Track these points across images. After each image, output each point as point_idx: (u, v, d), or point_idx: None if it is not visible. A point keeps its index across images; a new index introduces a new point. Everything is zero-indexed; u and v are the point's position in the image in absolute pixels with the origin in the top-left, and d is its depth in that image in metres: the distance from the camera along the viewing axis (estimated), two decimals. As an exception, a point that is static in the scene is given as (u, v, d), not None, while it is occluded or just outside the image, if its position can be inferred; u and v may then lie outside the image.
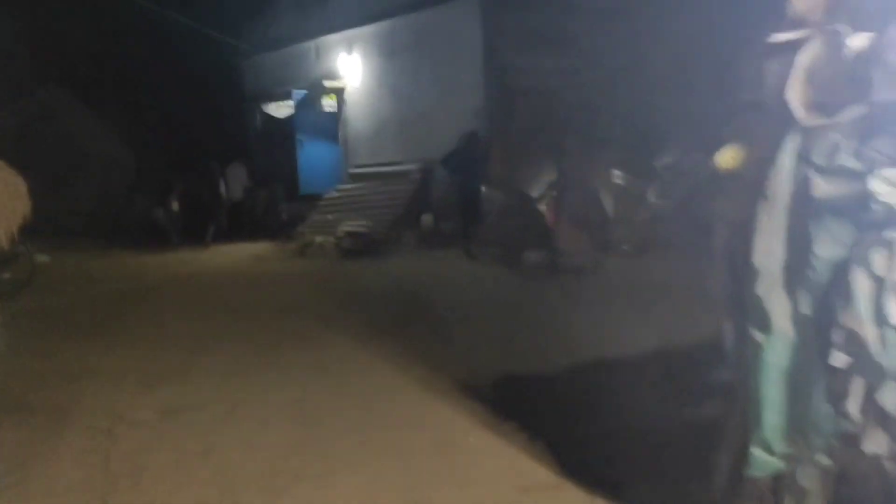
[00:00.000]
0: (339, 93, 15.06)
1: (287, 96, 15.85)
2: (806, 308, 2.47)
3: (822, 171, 2.41)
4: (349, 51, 14.77)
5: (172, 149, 18.73)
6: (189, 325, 6.85)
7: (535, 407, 4.49)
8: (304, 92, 15.28)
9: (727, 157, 2.81)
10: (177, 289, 9.18)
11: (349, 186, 14.37)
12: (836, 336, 2.36)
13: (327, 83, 14.94)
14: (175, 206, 15.00)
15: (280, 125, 16.65)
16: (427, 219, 12.09)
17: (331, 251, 11.92)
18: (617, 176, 10.33)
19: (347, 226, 12.95)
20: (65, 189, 17.23)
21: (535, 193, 11.22)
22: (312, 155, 15.19)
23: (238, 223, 15.59)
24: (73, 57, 17.96)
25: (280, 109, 16.75)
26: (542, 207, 10.68)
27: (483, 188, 10.98)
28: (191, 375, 5.25)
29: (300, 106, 15.32)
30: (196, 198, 15.49)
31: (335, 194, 14.39)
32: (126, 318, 7.23)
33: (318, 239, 12.60)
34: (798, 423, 2.51)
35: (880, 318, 2.26)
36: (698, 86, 8.01)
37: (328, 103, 15.36)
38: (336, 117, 15.23)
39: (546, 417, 4.28)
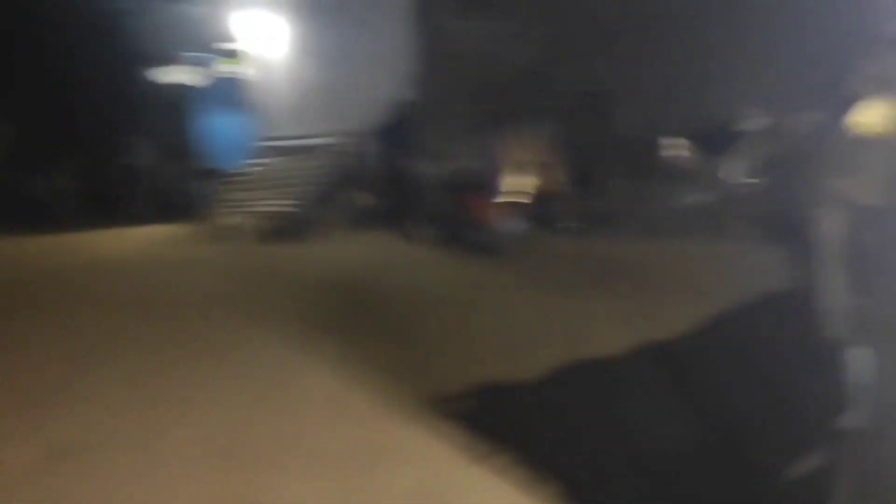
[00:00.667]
0: (248, 56, 13.66)
1: (188, 60, 14.29)
2: None
3: None
4: (260, 7, 13.41)
5: (58, 120, 16.85)
6: (80, 330, 5.62)
7: (526, 428, 3.65)
8: (207, 55, 13.78)
9: (874, 116, 1.97)
10: (65, 284, 7.80)
11: (265, 161, 13.08)
12: None
13: (233, 45, 13.53)
14: (68, 181, 13.32)
15: (181, 93, 15.06)
16: (357, 197, 11.00)
17: (250, 234, 10.70)
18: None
19: (266, 205, 11.74)
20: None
21: (472, 168, 10.40)
22: (221, 126, 13.75)
23: (137, 202, 14.04)
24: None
25: (180, 75, 15.15)
26: (480, 183, 9.86)
27: (418, 163, 10.04)
28: (79, 401, 4.11)
29: (203, 71, 13.82)
30: (92, 173, 13.87)
31: (249, 169, 13.08)
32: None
33: (234, 220, 11.34)
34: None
35: None
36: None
37: (235, 68, 13.94)
38: (245, 84, 13.84)
39: (544, 443, 3.45)
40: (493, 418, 3.77)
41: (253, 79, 13.74)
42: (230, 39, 13.65)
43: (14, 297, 7.03)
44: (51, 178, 13.40)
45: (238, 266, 8.52)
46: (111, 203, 13.60)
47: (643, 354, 4.66)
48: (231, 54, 13.64)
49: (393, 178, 9.86)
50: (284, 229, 10.30)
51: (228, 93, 13.82)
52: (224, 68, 13.79)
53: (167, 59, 14.92)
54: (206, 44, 13.98)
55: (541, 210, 9.89)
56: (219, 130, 13.68)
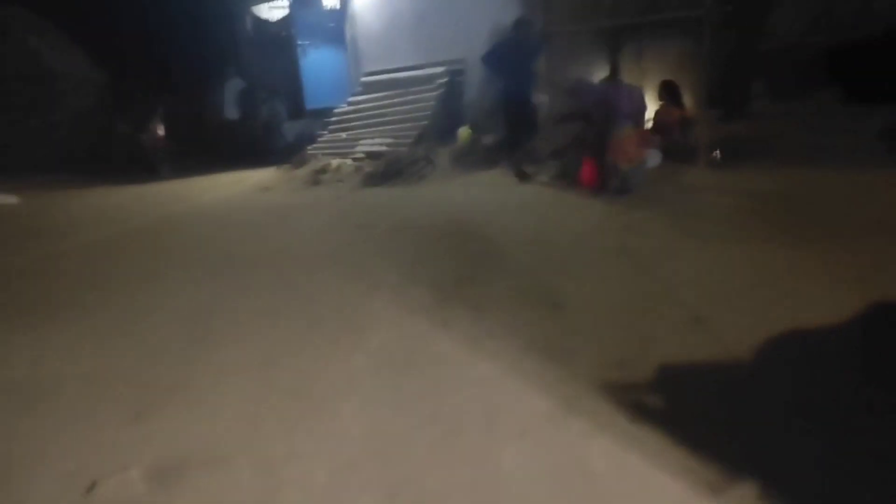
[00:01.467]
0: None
1: (280, -5, 13.48)
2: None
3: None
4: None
5: (152, 65, 16.43)
6: (189, 293, 4.94)
7: (768, 443, 2.66)
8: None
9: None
10: (170, 234, 7.23)
11: (362, 98, 12.21)
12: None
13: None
14: (160, 130, 12.88)
15: (274, 29, 14.31)
16: (463, 132, 10.02)
17: (349, 176, 9.92)
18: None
19: (365, 145, 10.92)
20: (33, 116, 15.14)
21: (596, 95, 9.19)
22: (316, 63, 12.94)
23: (235, 147, 13.52)
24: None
25: (273, 10, 14.36)
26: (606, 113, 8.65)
27: (535, 91, 8.91)
28: (196, 391, 3.39)
29: (297, 4, 12.93)
30: (185, 120, 13.40)
31: (347, 108, 12.25)
32: (104, 285, 5.31)
33: (333, 162, 10.57)
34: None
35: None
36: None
37: (331, 1, 13.03)
38: (341, 15, 12.91)
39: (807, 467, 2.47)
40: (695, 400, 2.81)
41: (350, 8, 12.77)
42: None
43: (122, 256, 6.46)
44: (150, 128, 12.95)
45: (346, 209, 7.75)
46: (208, 148, 13.09)
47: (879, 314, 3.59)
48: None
49: (511, 109, 8.76)
50: (389, 170, 9.45)
51: (327, 27, 12.93)
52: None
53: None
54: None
55: (678, 139, 8.67)
56: (317, 67, 12.86)
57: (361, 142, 11.16)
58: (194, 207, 8.98)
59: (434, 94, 10.58)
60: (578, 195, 7.52)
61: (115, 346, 3.98)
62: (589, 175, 7.64)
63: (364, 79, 12.40)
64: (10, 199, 10.97)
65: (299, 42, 12.67)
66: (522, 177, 8.57)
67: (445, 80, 10.65)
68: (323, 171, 10.24)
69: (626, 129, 7.42)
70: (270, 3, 14.17)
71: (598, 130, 7.62)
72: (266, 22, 14.58)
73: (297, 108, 12.97)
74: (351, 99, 12.35)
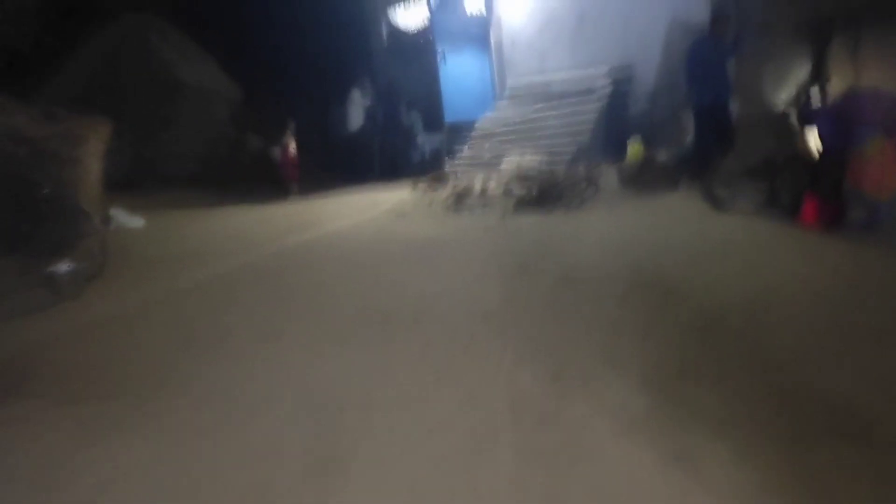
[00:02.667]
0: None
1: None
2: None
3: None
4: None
5: (283, 76, 15.80)
6: (313, 366, 3.66)
7: None
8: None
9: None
10: (293, 274, 6.08)
11: (509, 109, 10.82)
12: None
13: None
14: (292, 145, 12.00)
15: (411, 34, 13.20)
16: (632, 147, 8.39)
17: (497, 200, 8.53)
18: None
19: (514, 162, 9.51)
20: (165, 130, 14.78)
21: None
22: (457, 70, 11.71)
23: (367, 162, 12.50)
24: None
25: (410, 14, 13.26)
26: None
27: (736, 100, 7.20)
28: None
29: (438, 6, 11.75)
30: (316, 133, 12.51)
31: (490, 120, 10.90)
32: (204, 351, 4.11)
33: (477, 183, 9.23)
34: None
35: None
36: None
37: (476, 3, 11.76)
38: (486, 19, 11.61)
39: None
40: None
41: (496, 10, 11.44)
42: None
43: (246, 303, 5.35)
44: (283, 143, 12.15)
45: (502, 246, 6.34)
46: (338, 163, 12.12)
47: None
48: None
49: (705, 119, 7.09)
50: (544, 194, 7.98)
51: (469, 31, 11.68)
52: (464, 2, 11.68)
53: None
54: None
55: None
56: (458, 75, 11.62)
57: (508, 159, 9.78)
58: (322, 238, 7.87)
59: (595, 104, 9.05)
60: (801, 232, 5.76)
61: (206, 454, 2.70)
62: (814, 210, 5.86)
63: (511, 88, 11.02)
64: (137, 223, 10.35)
65: (438, 48, 11.41)
66: (717, 203, 6.87)
67: (609, 88, 9.10)
68: (466, 193, 8.92)
69: (874, 143, 5.59)
70: (407, 9, 13.07)
71: (831, 147, 5.83)
72: (402, 28, 13.50)
73: (434, 120, 11.75)
74: (495, 110, 10.99)
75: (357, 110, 12.74)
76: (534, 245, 6.22)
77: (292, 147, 11.77)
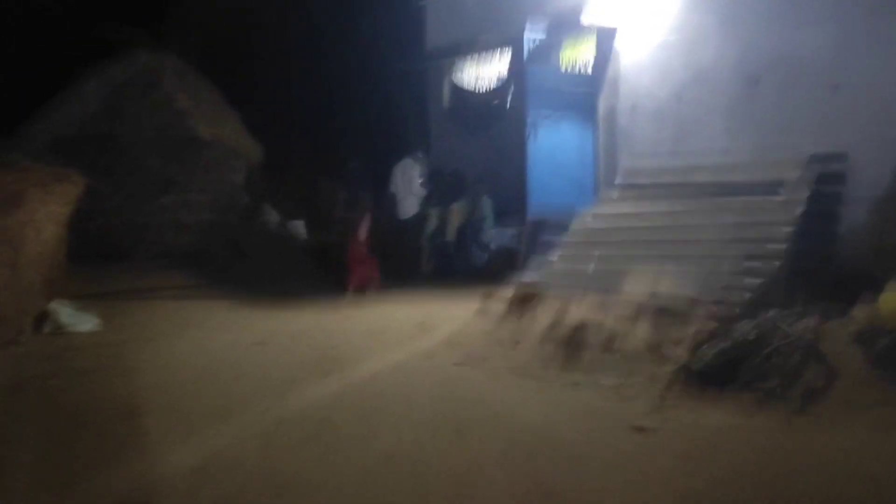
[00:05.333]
0: (602, 37, 8.35)
1: (499, 45, 9.34)
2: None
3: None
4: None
5: (314, 140, 12.93)
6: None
7: None
8: (534, 36, 8.62)
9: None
10: (290, 489, 2.89)
11: (625, 204, 7.63)
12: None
13: (585, 21, 8.27)
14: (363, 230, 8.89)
15: (482, 97, 10.23)
16: (889, 297, 4.92)
17: (636, 356, 5.21)
18: None
19: (639, 289, 6.29)
20: (168, 192, 11.86)
21: None
22: (548, 146, 8.56)
23: (409, 259, 9.37)
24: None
25: (483, 71, 10.33)
26: None
27: None
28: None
29: (525, 62, 8.67)
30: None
31: (598, 218, 7.72)
32: None
33: (594, 319, 5.98)
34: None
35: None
36: None
37: (578, 57, 8.75)
38: (594, 81, 8.55)
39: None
40: None
41: (614, 72, 8.38)
42: (579, 12, 8.37)
43: None
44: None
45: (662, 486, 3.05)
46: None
47: None
48: (578, 36, 8.43)
49: None
50: (727, 366, 4.63)
51: (568, 97, 8.62)
52: (560, 59, 8.69)
53: (467, 49, 10.12)
54: (533, 20, 8.88)
55: None
56: (551, 155, 8.52)
57: (630, 280, 6.52)
58: (346, 397, 4.72)
59: (788, 210, 5.80)
60: None
61: None
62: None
63: (626, 173, 7.85)
64: (87, 324, 7.26)
65: (528, 116, 8.30)
66: None
67: (809, 187, 5.85)
68: (580, 334, 5.64)
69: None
70: (481, 60, 10.11)
71: None
72: (472, 89, 10.53)
73: (512, 210, 8.60)
74: (601, 203, 7.81)
75: (405, 191, 9.66)
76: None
77: (364, 231, 8.64)
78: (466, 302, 7.89)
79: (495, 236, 8.94)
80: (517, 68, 8.80)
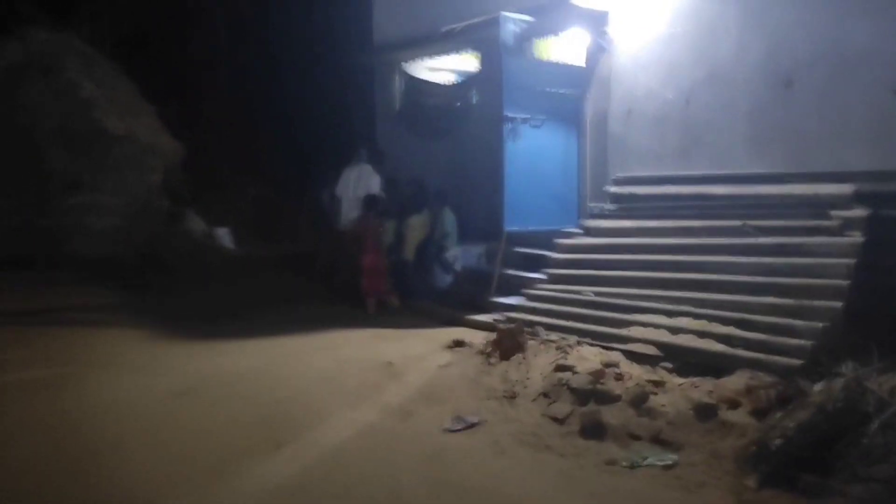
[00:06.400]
0: (595, 23, 7.22)
1: (468, 34, 8.13)
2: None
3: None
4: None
5: (246, 138, 11.43)
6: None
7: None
8: (512, 24, 7.40)
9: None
10: None
11: (624, 223, 6.56)
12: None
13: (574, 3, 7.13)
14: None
15: (441, 96, 9.01)
16: None
17: (683, 425, 4.06)
18: None
19: (652, 325, 5.23)
20: (74, 194, 10.26)
21: None
22: (527, 155, 7.39)
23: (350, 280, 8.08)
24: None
25: (445, 64, 9.15)
26: None
27: None
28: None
29: (501, 54, 7.44)
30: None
31: (590, 238, 6.63)
32: None
33: (601, 356, 4.88)
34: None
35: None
36: None
37: (565, 49, 7.65)
38: (581, 79, 7.43)
39: None
40: None
41: (606, 67, 7.27)
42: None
43: None
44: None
45: None
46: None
47: None
48: (566, 21, 7.30)
49: None
50: (807, 449, 3.53)
51: (548, 99, 7.49)
52: (538, 50, 7.58)
53: (425, 43, 8.88)
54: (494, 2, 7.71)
55: None
56: (529, 163, 7.38)
57: (638, 316, 5.45)
58: (303, 488, 3.36)
59: (847, 240, 4.78)
60: None
61: None
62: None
63: (624, 185, 6.76)
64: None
65: (506, 115, 7.10)
66: None
67: (865, 212, 4.87)
68: (594, 385, 4.48)
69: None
70: (442, 54, 8.91)
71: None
72: (429, 85, 9.30)
73: (484, 225, 7.41)
74: (596, 220, 6.70)
75: (351, 197, 8.37)
76: None
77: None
78: (433, 334, 6.67)
79: (460, 255, 7.70)
80: (490, 62, 7.59)
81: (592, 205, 7.16)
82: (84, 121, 10.26)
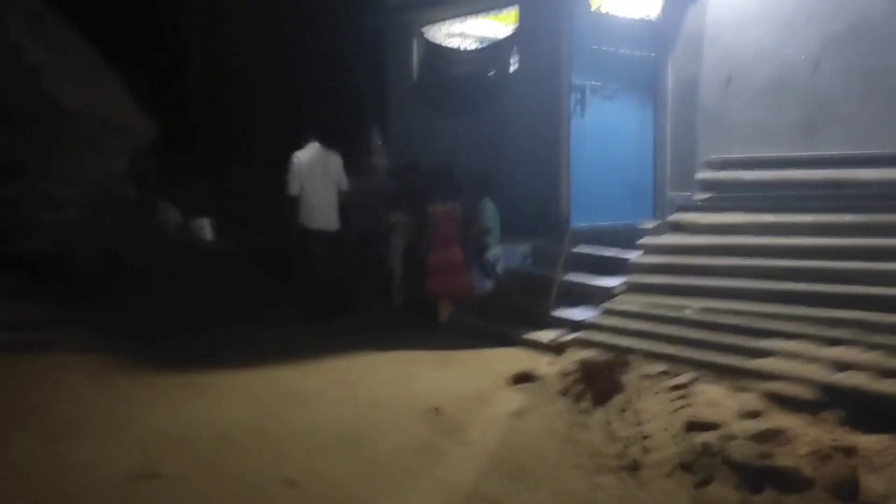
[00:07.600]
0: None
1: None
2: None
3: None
4: None
5: (231, 113, 9.83)
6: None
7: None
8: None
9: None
10: None
11: (729, 216, 5.11)
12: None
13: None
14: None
15: (472, 62, 7.53)
16: None
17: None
18: None
19: (809, 365, 3.76)
20: (19, 181, 8.65)
21: None
22: (592, 133, 5.93)
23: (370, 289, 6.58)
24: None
25: (470, 32, 7.71)
26: None
27: None
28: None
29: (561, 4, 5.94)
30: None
31: (685, 232, 5.20)
32: None
33: (736, 402, 3.43)
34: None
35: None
36: None
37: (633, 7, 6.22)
38: (663, 36, 5.97)
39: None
40: None
41: (692, 27, 5.80)
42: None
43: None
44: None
45: None
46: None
47: None
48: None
49: None
50: None
51: (617, 64, 6.03)
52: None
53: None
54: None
55: None
56: (599, 145, 5.90)
57: (773, 342, 4.03)
58: None
59: None
60: None
61: None
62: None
63: (717, 173, 5.34)
64: None
65: (574, 87, 5.61)
66: None
67: None
68: (776, 468, 3.03)
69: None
70: (465, 17, 7.43)
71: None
72: (454, 52, 7.83)
73: (530, 219, 5.93)
74: (688, 216, 5.28)
75: (313, 186, 6.77)
76: None
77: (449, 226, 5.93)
78: (483, 358, 5.19)
79: (502, 255, 6.22)
80: (544, 17, 6.09)
81: (673, 194, 5.73)
82: (28, 92, 8.57)
